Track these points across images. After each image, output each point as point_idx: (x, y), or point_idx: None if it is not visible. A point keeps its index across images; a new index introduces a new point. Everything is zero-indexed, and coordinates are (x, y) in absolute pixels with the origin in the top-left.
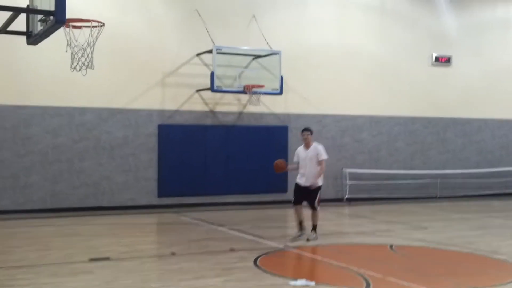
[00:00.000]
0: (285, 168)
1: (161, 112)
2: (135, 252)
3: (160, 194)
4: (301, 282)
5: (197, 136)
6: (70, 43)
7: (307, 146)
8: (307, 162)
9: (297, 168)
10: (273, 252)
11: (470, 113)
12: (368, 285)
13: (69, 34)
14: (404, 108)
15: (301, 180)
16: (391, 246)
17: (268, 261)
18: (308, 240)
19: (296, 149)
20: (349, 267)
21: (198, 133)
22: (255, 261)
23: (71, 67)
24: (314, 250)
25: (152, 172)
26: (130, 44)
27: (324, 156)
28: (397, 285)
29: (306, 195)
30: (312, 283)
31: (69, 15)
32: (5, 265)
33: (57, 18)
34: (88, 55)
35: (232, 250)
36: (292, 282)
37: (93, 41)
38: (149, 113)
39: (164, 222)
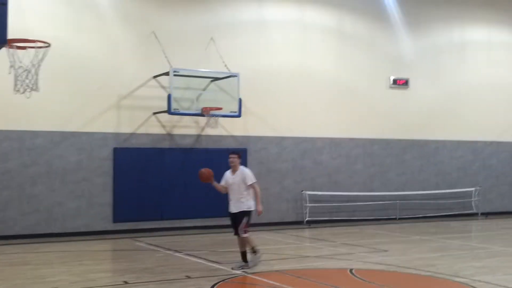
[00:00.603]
0: (210, 179)
1: (117, 135)
2: (86, 281)
3: (116, 219)
4: None
5: (154, 159)
6: (14, 64)
7: (234, 170)
8: (234, 188)
9: (225, 191)
10: (230, 278)
11: (428, 135)
12: None
13: (13, 55)
14: (363, 130)
15: (231, 208)
16: (351, 270)
17: None
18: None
19: (253, 171)
20: None
21: (155, 156)
22: None
23: (14, 89)
24: (272, 275)
25: (107, 197)
26: (85, 66)
27: (251, 179)
28: None
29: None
30: None
31: (21, 35)
32: None
33: None
34: (32, 76)
35: (187, 277)
36: None
37: (38, 62)
38: (104, 136)
39: (119, 249)
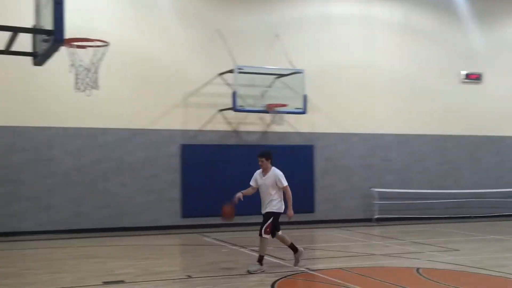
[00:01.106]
0: (232, 217)
1: (184, 132)
2: (151, 275)
3: (184, 215)
4: None
5: (220, 155)
6: (75, 63)
7: (265, 172)
8: (263, 189)
9: (252, 192)
10: (293, 275)
11: (504, 131)
12: None
13: (73, 54)
14: (433, 126)
15: (262, 209)
16: (417, 270)
17: (286, 285)
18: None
19: (320, 168)
20: None
21: (222, 153)
22: (272, 285)
23: (75, 87)
24: (335, 273)
25: (175, 193)
26: (152, 65)
27: (283, 183)
28: None
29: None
30: None
31: (87, 35)
32: None
33: (55, 37)
34: (92, 75)
35: (250, 273)
36: None
37: (97, 61)
38: (171, 133)
39: (186, 243)
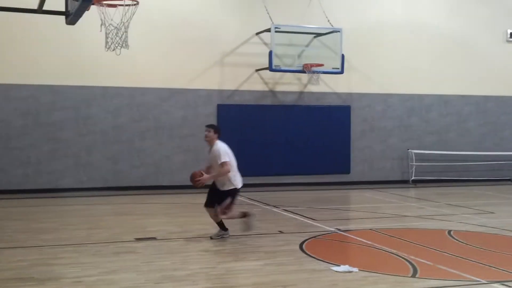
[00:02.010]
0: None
1: (220, 92)
2: (183, 232)
3: None
4: (343, 268)
5: (256, 116)
6: (105, 22)
7: (210, 146)
8: (213, 165)
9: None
10: (322, 235)
11: None
12: (415, 272)
13: (103, 13)
14: (476, 86)
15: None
16: (449, 232)
17: (315, 244)
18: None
19: (356, 129)
20: (398, 253)
21: (258, 113)
22: (301, 245)
23: (105, 46)
24: (365, 234)
25: None
26: (188, 25)
27: (222, 158)
28: (447, 274)
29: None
30: (355, 270)
31: None
32: (54, 243)
33: None
34: (123, 34)
35: (280, 232)
36: (334, 268)
37: (127, 20)
38: (208, 93)
39: None
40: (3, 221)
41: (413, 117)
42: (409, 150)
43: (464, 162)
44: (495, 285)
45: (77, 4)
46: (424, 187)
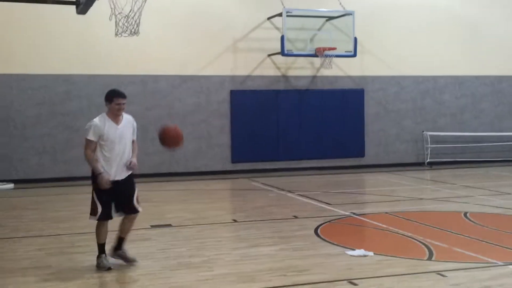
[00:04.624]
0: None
1: (233, 78)
2: (198, 219)
3: (234, 160)
4: (358, 252)
5: (269, 101)
6: (114, 11)
7: (118, 119)
8: (121, 143)
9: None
10: (337, 219)
11: None
12: (431, 255)
13: (113, 1)
14: (490, 67)
15: (112, 175)
16: (465, 214)
17: (330, 229)
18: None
19: (370, 112)
20: (414, 236)
21: (271, 98)
22: (316, 229)
23: (116, 33)
24: (380, 217)
25: (225, 138)
26: (200, 11)
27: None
28: (463, 256)
29: (122, 197)
30: (370, 254)
31: None
32: (71, 231)
33: None
34: (135, 21)
35: (295, 217)
36: (349, 252)
37: (139, 8)
38: (221, 79)
39: (235, 188)
40: (20, 210)
41: (427, 99)
42: (424, 132)
43: (479, 143)
44: None
45: None
46: (440, 169)
